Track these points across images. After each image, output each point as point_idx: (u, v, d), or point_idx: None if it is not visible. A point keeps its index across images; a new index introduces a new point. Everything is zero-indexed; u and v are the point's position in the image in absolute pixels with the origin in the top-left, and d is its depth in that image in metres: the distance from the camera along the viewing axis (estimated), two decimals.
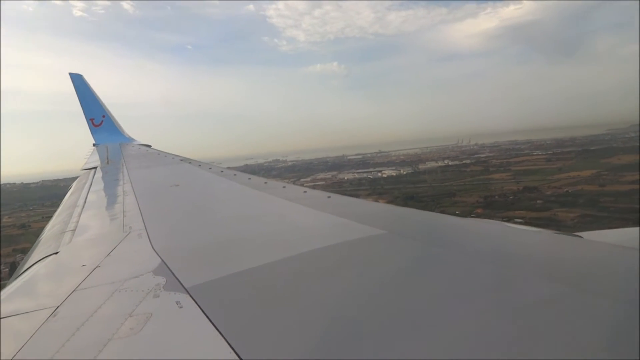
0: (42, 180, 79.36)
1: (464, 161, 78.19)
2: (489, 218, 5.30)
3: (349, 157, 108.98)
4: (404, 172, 72.27)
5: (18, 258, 31.98)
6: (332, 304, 1.45)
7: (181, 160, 8.01)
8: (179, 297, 1.59)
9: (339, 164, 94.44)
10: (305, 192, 4.02)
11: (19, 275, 2.49)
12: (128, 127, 13.73)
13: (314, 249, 2.10)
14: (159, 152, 10.20)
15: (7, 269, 30.05)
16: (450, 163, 77.90)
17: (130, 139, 12.92)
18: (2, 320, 1.61)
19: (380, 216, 2.95)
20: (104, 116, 12.74)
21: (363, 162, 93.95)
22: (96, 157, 9.64)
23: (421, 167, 76.92)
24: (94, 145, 12.11)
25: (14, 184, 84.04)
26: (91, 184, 6.10)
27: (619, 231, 3.52)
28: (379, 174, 71.03)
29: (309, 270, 1.85)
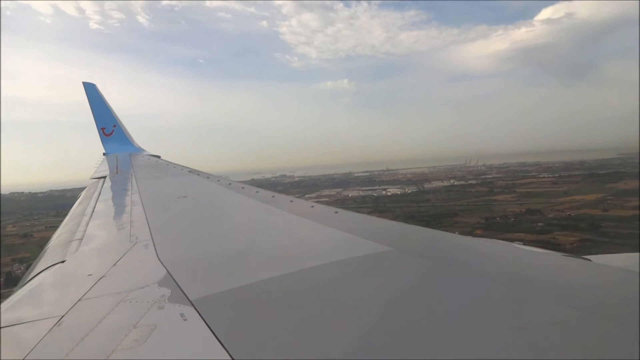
0: (50, 190, 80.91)
1: (470, 181, 78.24)
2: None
3: (355, 175, 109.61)
4: (409, 191, 72.62)
5: (15, 268, 32.40)
6: (336, 321, 1.45)
7: (190, 171, 8.03)
8: (183, 309, 1.59)
9: (345, 180, 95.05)
10: (312, 206, 4.02)
11: (26, 283, 2.53)
12: (138, 138, 13.79)
13: (320, 264, 2.09)
14: (168, 163, 10.15)
15: (2, 278, 30.25)
16: (455, 183, 78.02)
17: (140, 150, 12.95)
18: (7, 328, 1.63)
19: (386, 233, 2.93)
20: (115, 126, 12.79)
21: (369, 180, 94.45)
22: (106, 167, 9.70)
23: (426, 186, 77.20)
24: (104, 154, 12.18)
25: (22, 193, 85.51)
26: (100, 193, 6.11)
27: (627, 256, 3.51)
28: (384, 192, 71.48)
29: (314, 286, 1.84)
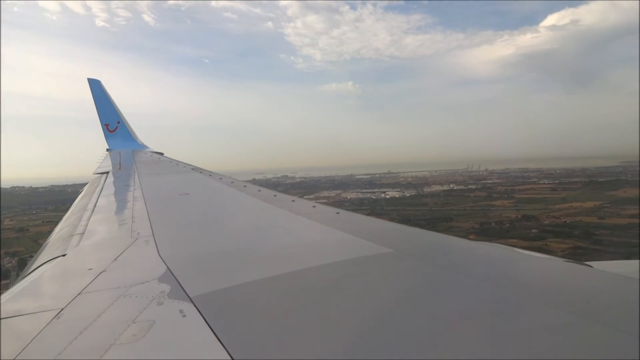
0: (51, 185, 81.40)
1: (470, 186, 78.14)
2: None
3: (357, 177, 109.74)
4: (408, 194, 72.71)
5: (6, 262, 32.67)
6: (335, 321, 1.45)
7: (192, 169, 8.10)
8: (182, 305, 1.59)
9: (346, 182, 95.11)
10: (314, 206, 4.04)
11: (26, 276, 2.53)
12: (142, 136, 13.88)
13: (320, 264, 2.10)
14: (171, 160, 10.21)
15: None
16: (455, 187, 77.97)
17: (144, 146, 13.02)
18: (6, 320, 1.63)
19: (387, 234, 2.94)
20: (118, 122, 12.89)
21: (370, 182, 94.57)
22: (109, 162, 9.73)
23: (426, 190, 77.22)
24: (107, 150, 12.28)
25: (23, 187, 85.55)
26: (102, 188, 6.12)
27: (629, 262, 3.50)
28: (382, 195, 71.60)
29: (313, 286, 1.84)
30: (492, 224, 47.85)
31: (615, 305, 1.57)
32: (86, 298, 1.79)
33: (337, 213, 3.62)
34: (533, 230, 43.85)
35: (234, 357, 1.20)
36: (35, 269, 2.59)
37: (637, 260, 3.06)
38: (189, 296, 1.68)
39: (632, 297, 1.63)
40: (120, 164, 9.18)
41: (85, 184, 7.76)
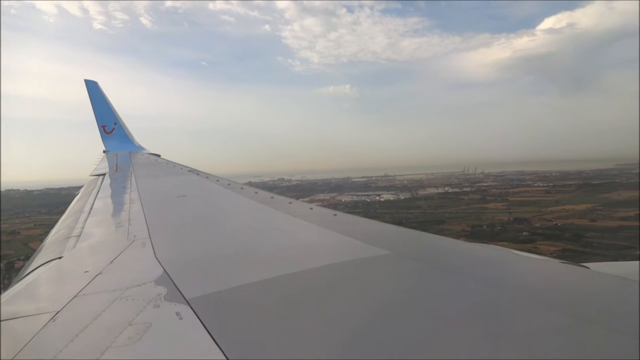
0: (46, 188, 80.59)
1: (464, 189, 78.34)
2: None
3: (353, 180, 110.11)
4: (402, 197, 72.89)
5: None
6: (331, 323, 1.46)
7: (189, 171, 8.09)
8: (179, 308, 1.59)
9: (342, 185, 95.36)
10: (311, 208, 4.02)
11: (22, 278, 2.53)
12: (140, 138, 13.72)
13: (317, 266, 2.10)
14: (168, 162, 10.16)
15: None
16: (449, 190, 78.22)
17: (140, 148, 12.95)
18: (2, 322, 1.63)
19: (384, 236, 2.94)
20: (115, 124, 12.82)
21: (366, 185, 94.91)
22: (105, 164, 9.69)
23: (420, 193, 77.38)
24: (104, 152, 12.25)
25: (17, 190, 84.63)
26: (99, 190, 6.08)
27: (625, 264, 3.53)
28: (377, 198, 71.72)
29: (310, 288, 1.84)
30: (484, 226, 48.02)
31: (612, 307, 1.57)
32: (82, 300, 1.79)
33: (335, 215, 3.63)
34: (524, 233, 43.96)
35: (231, 359, 1.20)
36: (32, 271, 2.59)
37: (633, 262, 3.10)
38: (185, 298, 1.68)
39: (628, 298, 1.63)
40: (117, 166, 9.17)
41: (81, 187, 7.73)
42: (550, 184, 77.21)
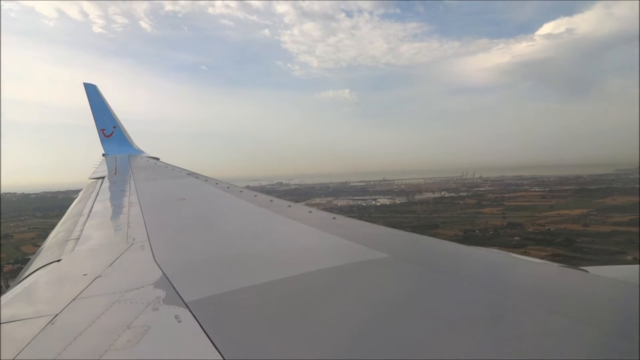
0: (44, 192, 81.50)
1: (461, 193, 78.35)
2: None
3: (351, 184, 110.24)
4: (398, 202, 73.00)
5: None
6: (331, 326, 1.46)
7: (188, 174, 8.08)
8: (178, 311, 1.59)
9: (339, 190, 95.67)
10: (310, 212, 4.02)
11: (21, 281, 2.53)
12: (139, 141, 13.81)
13: (315, 270, 2.10)
14: (167, 165, 10.14)
15: None
16: (446, 195, 78.31)
17: (140, 151, 12.98)
18: (1, 325, 1.63)
19: (383, 239, 2.94)
20: (114, 127, 12.84)
21: (363, 190, 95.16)
22: (104, 167, 9.68)
23: (417, 197, 77.47)
24: (103, 155, 12.26)
25: (15, 193, 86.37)
26: (98, 193, 6.10)
27: (625, 267, 3.51)
28: (373, 202, 71.85)
29: (309, 291, 1.84)
30: (476, 231, 48.07)
31: (611, 310, 1.57)
32: (81, 303, 1.79)
33: (334, 218, 3.64)
34: (515, 238, 43.91)
35: None
36: (30, 274, 2.60)
37: (632, 266, 3.09)
38: (184, 301, 1.68)
39: (628, 301, 1.63)
40: (116, 169, 9.20)
41: (79, 190, 7.77)
42: (547, 189, 77.29)
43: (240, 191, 5.76)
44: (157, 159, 12.03)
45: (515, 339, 1.29)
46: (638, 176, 76.96)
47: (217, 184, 6.65)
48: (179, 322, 1.49)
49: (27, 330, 1.53)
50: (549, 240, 42.16)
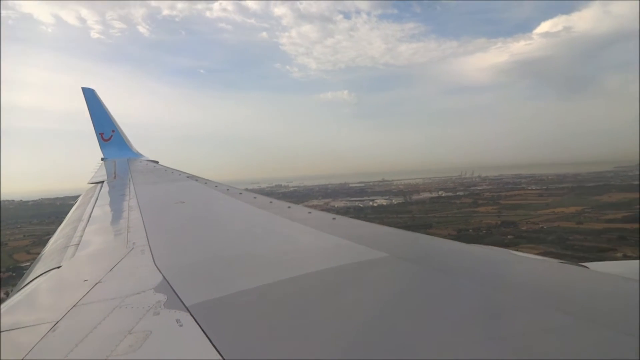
0: (41, 198, 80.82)
1: (457, 193, 78.45)
2: None
3: (351, 185, 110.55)
4: (395, 202, 73.20)
5: None
6: (333, 327, 1.45)
7: (188, 177, 8.08)
8: (179, 315, 1.58)
9: (338, 191, 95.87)
10: (310, 212, 4.01)
11: (21, 288, 2.53)
12: (138, 145, 13.79)
13: (316, 270, 2.10)
14: (166, 169, 10.12)
15: None
16: (443, 194, 78.48)
17: (139, 155, 12.97)
18: (2, 333, 1.63)
19: (383, 239, 2.93)
20: (113, 131, 12.84)
21: (362, 191, 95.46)
22: (103, 172, 9.67)
23: (414, 197, 77.63)
24: (102, 159, 12.20)
25: (12, 201, 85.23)
26: (97, 198, 6.09)
27: (625, 263, 3.53)
28: (370, 203, 72.08)
29: (311, 292, 1.85)
30: (470, 230, 48.30)
31: (612, 306, 1.56)
32: (82, 310, 1.79)
33: (333, 219, 3.65)
34: (508, 236, 43.87)
35: None
36: (31, 281, 2.60)
37: (632, 261, 3.11)
38: (185, 305, 1.67)
39: (628, 297, 1.63)
40: (115, 173, 9.20)
41: (77, 196, 7.79)
42: (544, 187, 77.24)
43: (240, 193, 5.78)
44: (156, 162, 12.03)
45: (517, 337, 1.29)
46: (637, 173, 76.70)
47: (216, 186, 6.65)
48: (181, 326, 1.49)
49: (28, 337, 1.54)
50: (542, 239, 42.29)
